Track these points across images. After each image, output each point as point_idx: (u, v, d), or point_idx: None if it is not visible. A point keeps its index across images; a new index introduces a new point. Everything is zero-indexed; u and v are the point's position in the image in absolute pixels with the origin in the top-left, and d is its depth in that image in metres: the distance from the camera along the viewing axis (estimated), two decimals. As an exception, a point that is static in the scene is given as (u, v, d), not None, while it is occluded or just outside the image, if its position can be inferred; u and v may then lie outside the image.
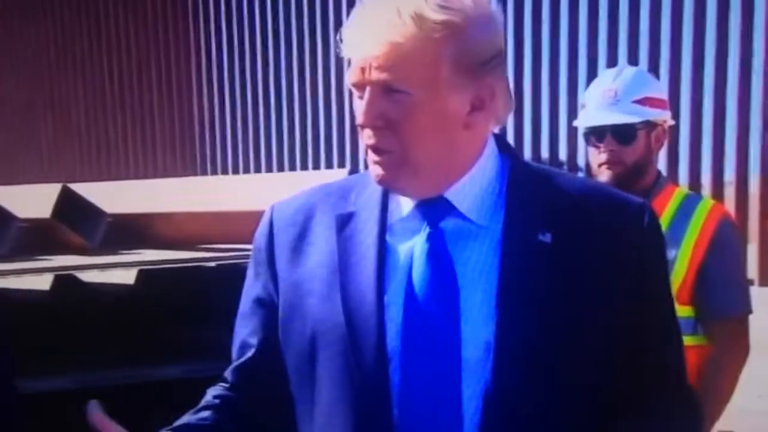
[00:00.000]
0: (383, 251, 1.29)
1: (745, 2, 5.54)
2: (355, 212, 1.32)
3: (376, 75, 1.25)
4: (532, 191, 1.31)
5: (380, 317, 1.26)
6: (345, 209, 1.33)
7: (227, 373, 1.43)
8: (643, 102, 2.45)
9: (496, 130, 1.35)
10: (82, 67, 9.74)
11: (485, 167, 1.32)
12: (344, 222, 1.32)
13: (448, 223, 1.30)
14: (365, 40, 1.26)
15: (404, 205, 1.32)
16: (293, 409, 1.34)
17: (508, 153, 1.35)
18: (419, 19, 1.23)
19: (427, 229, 1.30)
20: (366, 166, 1.34)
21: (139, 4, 9.08)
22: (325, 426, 1.29)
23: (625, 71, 2.52)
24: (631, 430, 1.31)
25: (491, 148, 1.33)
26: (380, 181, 1.30)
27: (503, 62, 1.31)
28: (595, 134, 2.45)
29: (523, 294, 1.25)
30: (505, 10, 6.88)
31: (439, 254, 1.28)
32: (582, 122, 2.50)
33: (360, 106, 1.28)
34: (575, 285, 1.26)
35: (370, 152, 1.29)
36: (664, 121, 2.50)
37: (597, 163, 2.45)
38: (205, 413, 1.39)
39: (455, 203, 1.30)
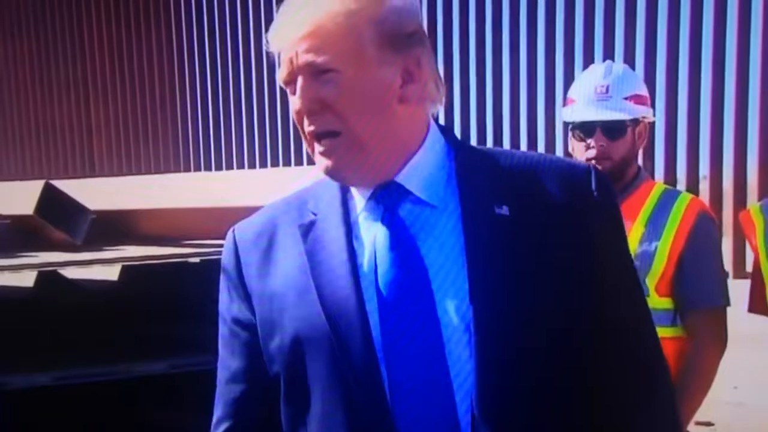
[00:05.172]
0: (351, 249, 1.30)
1: (719, 3, 5.61)
2: (316, 220, 1.33)
3: (303, 58, 1.26)
4: (482, 169, 1.33)
5: (362, 313, 1.27)
6: (305, 218, 1.34)
7: (223, 410, 1.39)
8: (632, 99, 2.48)
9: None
10: (65, 69, 9.69)
11: (431, 149, 1.33)
12: (307, 231, 1.32)
13: (405, 208, 1.31)
14: (290, 27, 1.28)
15: (359, 201, 1.33)
16: (286, 421, 1.34)
17: (451, 137, 1.37)
18: None
19: (386, 218, 1.30)
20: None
21: (120, 4, 9.05)
22: (322, 430, 1.29)
23: (615, 68, 2.54)
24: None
25: (435, 132, 1.35)
26: (329, 171, 1.29)
27: (426, 42, 1.33)
28: (584, 129, 2.46)
29: (493, 267, 1.27)
30: (483, 7, 6.91)
31: (401, 240, 1.29)
32: (574, 117, 2.50)
33: (294, 98, 1.29)
34: (539, 253, 1.28)
35: (315, 144, 1.29)
36: (645, 118, 2.53)
37: (585, 158, 2.45)
38: None
39: (407, 185, 1.31)
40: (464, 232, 1.28)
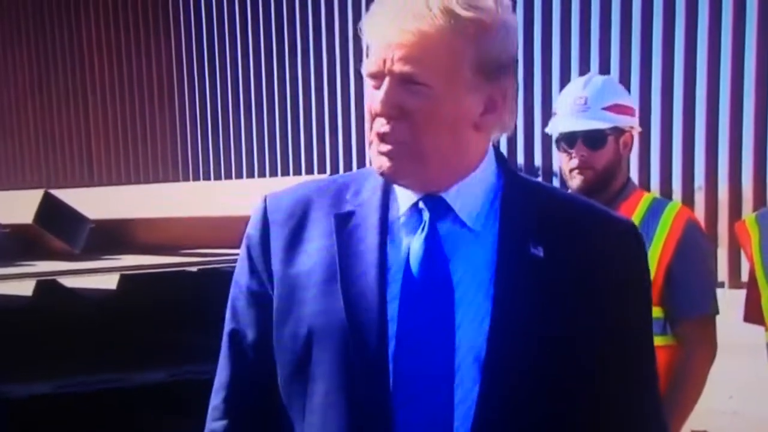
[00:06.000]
0: (384, 249, 1.30)
1: (713, 13, 5.65)
2: (355, 211, 1.33)
3: (399, 66, 1.25)
4: (525, 204, 1.33)
5: (383, 314, 1.28)
6: (343, 208, 1.33)
7: (224, 379, 1.40)
8: (611, 109, 2.52)
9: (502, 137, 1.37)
10: (64, 77, 9.73)
11: (484, 174, 1.34)
12: (344, 221, 1.32)
13: (444, 225, 1.31)
14: (392, 28, 1.26)
15: (402, 204, 1.33)
16: (285, 405, 1.35)
17: (503, 165, 1.37)
18: (449, 13, 1.25)
19: (425, 230, 1.31)
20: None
21: (120, 12, 9.10)
22: (320, 422, 1.30)
23: (595, 79, 2.60)
24: None
25: (491, 157, 1.35)
26: (384, 172, 1.29)
27: (516, 73, 1.34)
28: (566, 140, 2.51)
29: (516, 307, 1.27)
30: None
31: (435, 255, 1.30)
32: (554, 129, 2.56)
33: (376, 95, 1.28)
34: (565, 300, 1.29)
35: (377, 143, 1.29)
36: (631, 128, 2.57)
37: (568, 168, 2.51)
38: None
39: (452, 204, 1.31)
40: (496, 265, 1.29)
